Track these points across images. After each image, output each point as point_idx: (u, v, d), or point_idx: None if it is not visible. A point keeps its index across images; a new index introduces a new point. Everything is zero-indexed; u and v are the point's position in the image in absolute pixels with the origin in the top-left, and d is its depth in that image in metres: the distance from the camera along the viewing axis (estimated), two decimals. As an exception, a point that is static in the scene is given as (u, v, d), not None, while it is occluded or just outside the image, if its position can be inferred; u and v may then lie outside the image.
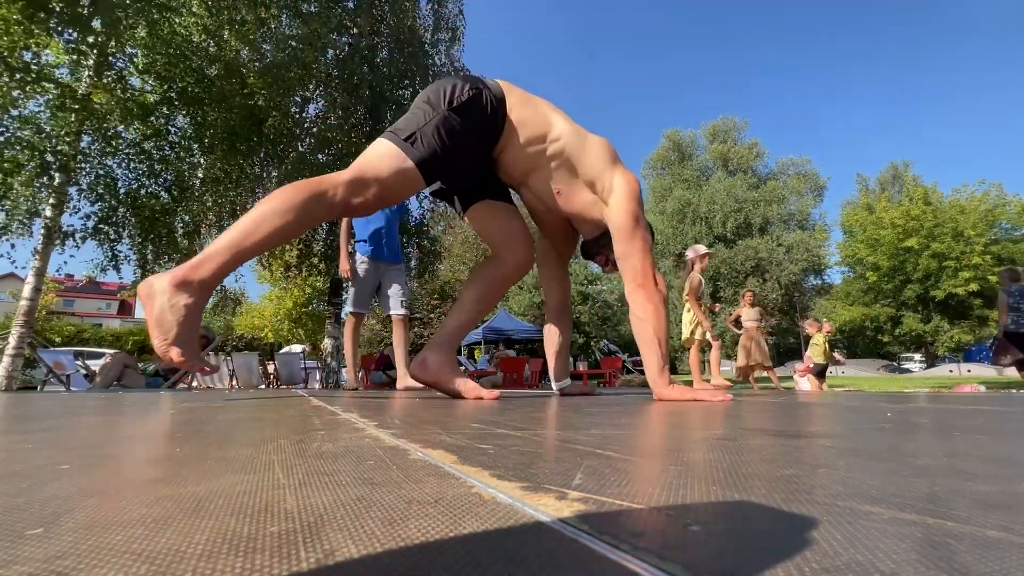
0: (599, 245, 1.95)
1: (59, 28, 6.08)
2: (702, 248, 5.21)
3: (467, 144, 1.68)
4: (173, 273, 1.37)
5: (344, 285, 9.86)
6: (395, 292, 3.62)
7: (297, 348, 11.28)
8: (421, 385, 2.03)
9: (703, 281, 5.14)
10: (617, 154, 1.81)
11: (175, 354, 1.35)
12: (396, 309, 3.63)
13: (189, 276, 1.36)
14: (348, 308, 3.62)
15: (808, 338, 7.68)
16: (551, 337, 2.17)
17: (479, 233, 2.01)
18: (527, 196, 1.93)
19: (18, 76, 5.90)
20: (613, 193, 1.74)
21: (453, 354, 1.93)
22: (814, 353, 7.20)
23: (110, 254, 7.63)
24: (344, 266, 3.58)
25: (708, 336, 5.07)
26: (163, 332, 1.33)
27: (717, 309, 5.57)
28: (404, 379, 3.45)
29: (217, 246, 1.41)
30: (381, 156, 1.60)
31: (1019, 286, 6.07)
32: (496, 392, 1.88)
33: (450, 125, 1.62)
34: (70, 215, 7.15)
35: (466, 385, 1.83)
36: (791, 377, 7.81)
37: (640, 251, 1.73)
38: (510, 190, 1.98)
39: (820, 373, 7.18)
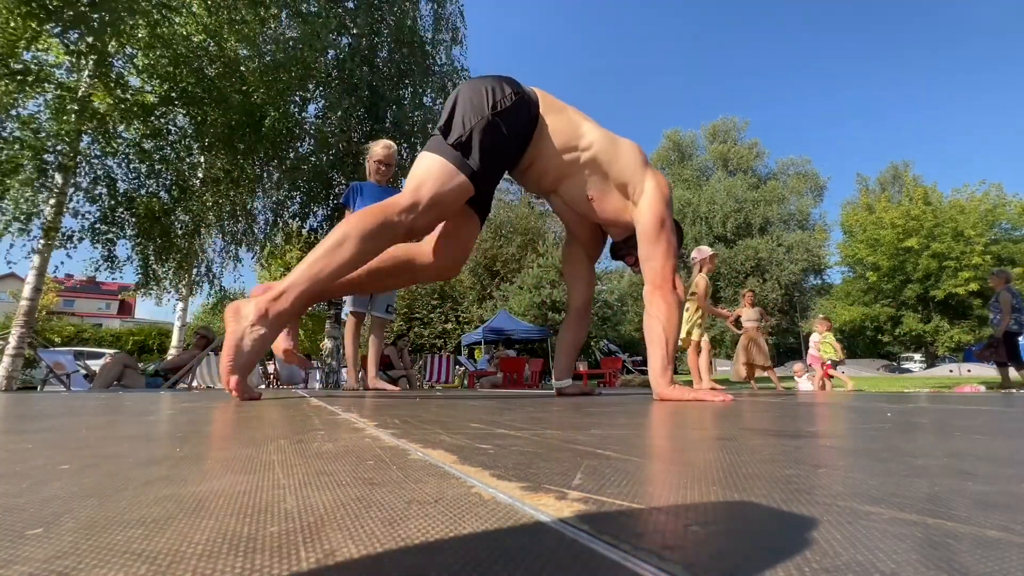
0: (628, 246, 1.95)
1: (60, 30, 6.08)
2: (708, 250, 5.20)
3: (508, 151, 1.67)
4: (258, 303, 1.43)
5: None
6: (385, 296, 3.67)
7: None
8: (391, 386, 1.99)
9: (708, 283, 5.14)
10: (646, 157, 1.82)
11: (235, 382, 1.44)
12: (380, 311, 3.67)
13: (272, 309, 1.43)
14: (348, 308, 3.64)
15: (807, 336, 7.74)
16: (567, 334, 2.18)
17: None
18: (557, 204, 1.91)
19: (19, 77, 5.91)
20: (643, 196, 1.74)
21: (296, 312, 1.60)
22: (828, 351, 7.18)
23: (107, 253, 7.63)
24: None
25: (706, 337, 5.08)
26: (235, 357, 1.42)
27: (732, 315, 5.55)
28: (375, 380, 3.54)
29: (295, 278, 1.45)
30: (436, 176, 1.57)
31: (1016, 288, 6.18)
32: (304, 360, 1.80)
33: (495, 131, 1.59)
34: (70, 215, 7.16)
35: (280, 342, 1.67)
36: (791, 377, 7.80)
37: (663, 254, 1.73)
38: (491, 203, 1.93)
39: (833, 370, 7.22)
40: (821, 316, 7.76)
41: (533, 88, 1.75)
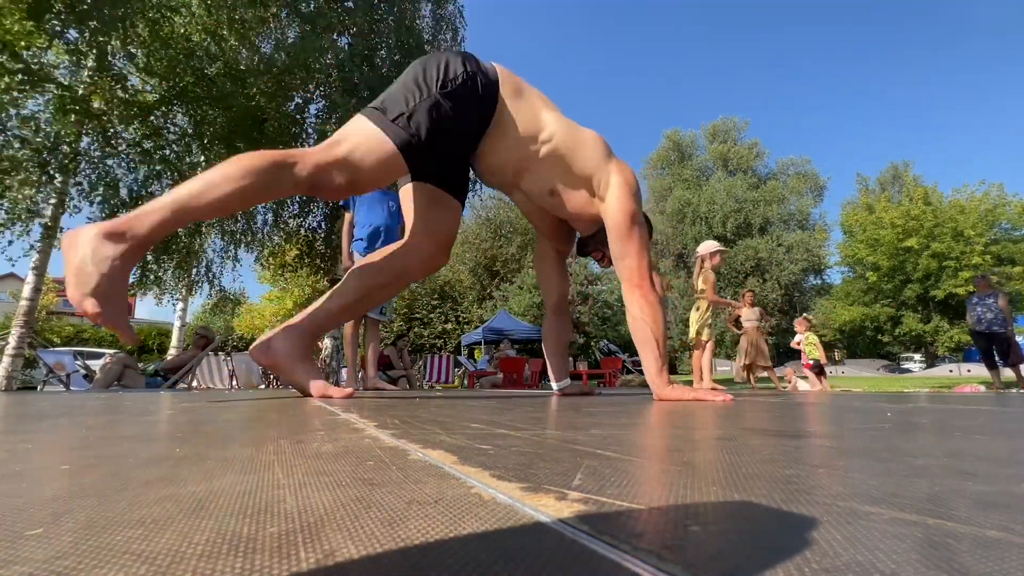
0: (596, 241, 1.90)
1: (61, 30, 6.08)
2: (713, 244, 5.12)
3: (454, 133, 1.56)
4: (102, 224, 1.23)
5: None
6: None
7: None
8: (390, 386, 1.96)
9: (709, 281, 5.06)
10: (610, 148, 1.74)
11: (91, 305, 1.19)
12: (375, 313, 3.67)
13: (121, 228, 1.23)
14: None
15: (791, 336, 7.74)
16: (549, 336, 2.15)
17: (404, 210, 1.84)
18: (519, 199, 1.85)
19: (20, 77, 5.91)
20: (609, 190, 1.68)
21: (308, 342, 1.72)
22: (812, 352, 7.19)
23: None
24: (347, 263, 3.60)
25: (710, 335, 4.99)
26: (81, 282, 1.18)
27: (738, 311, 5.36)
28: (374, 379, 3.56)
29: (160, 202, 1.27)
30: (361, 137, 1.45)
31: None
32: (348, 391, 1.69)
33: (441, 110, 1.48)
34: (71, 215, 7.16)
35: (315, 382, 1.66)
36: (782, 378, 7.79)
37: (636, 251, 1.68)
38: (467, 191, 1.88)
39: (821, 370, 7.19)
40: (801, 316, 7.74)
41: (495, 65, 1.64)
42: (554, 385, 2.21)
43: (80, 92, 6.49)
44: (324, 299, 1.73)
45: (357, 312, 1.85)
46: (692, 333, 4.95)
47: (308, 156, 1.40)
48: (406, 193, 1.80)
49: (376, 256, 1.80)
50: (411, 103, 1.48)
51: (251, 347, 1.70)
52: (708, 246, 5.02)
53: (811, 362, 7.14)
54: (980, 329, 6.39)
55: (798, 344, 7.38)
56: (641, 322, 1.67)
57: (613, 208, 1.68)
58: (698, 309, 4.94)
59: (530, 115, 1.64)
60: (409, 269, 1.80)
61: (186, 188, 1.29)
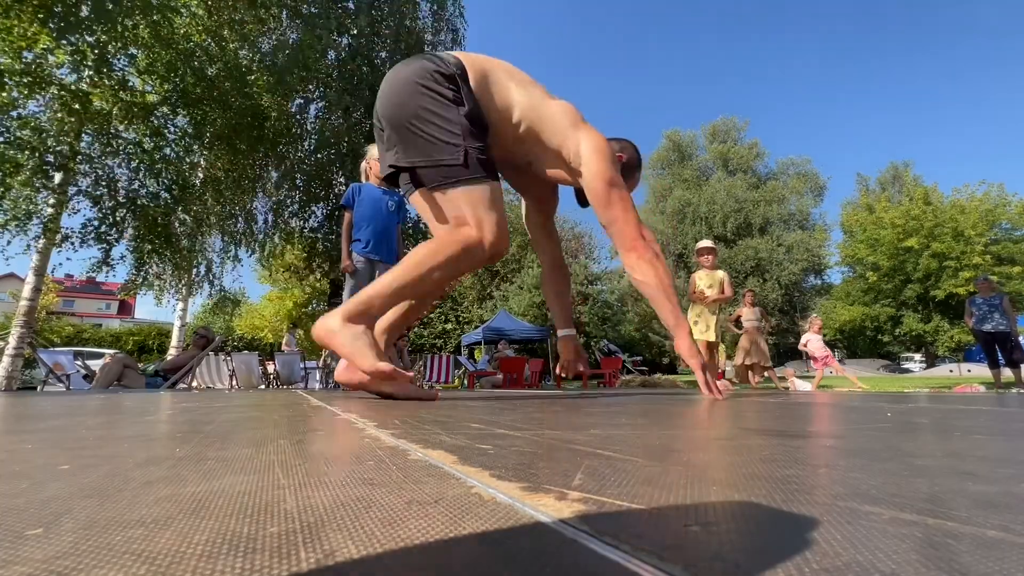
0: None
1: (63, 31, 6.09)
2: (701, 244, 5.15)
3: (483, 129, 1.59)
4: (341, 311, 1.49)
5: (343, 286, 9.87)
6: None
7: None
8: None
9: (697, 277, 5.02)
10: (581, 116, 1.72)
11: (384, 366, 1.43)
12: None
13: (355, 311, 1.48)
14: None
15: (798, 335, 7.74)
16: (549, 287, 2.15)
17: (425, 219, 1.84)
18: (503, 172, 1.84)
19: (25, 79, 5.92)
20: (581, 159, 1.67)
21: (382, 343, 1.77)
22: (818, 347, 7.16)
23: (105, 255, 7.63)
24: (346, 262, 3.59)
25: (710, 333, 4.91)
26: (363, 357, 1.43)
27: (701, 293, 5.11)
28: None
29: (377, 290, 1.51)
30: (466, 204, 1.53)
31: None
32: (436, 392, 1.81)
33: (474, 123, 1.53)
34: (70, 215, 7.16)
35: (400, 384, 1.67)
36: (783, 378, 7.77)
37: (621, 215, 1.67)
38: None
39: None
40: (815, 315, 7.71)
41: (457, 56, 1.60)
42: (560, 333, 2.16)
43: (81, 92, 6.49)
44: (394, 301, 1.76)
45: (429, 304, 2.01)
46: (698, 335, 4.75)
47: (471, 238, 1.53)
48: (419, 198, 1.79)
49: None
50: (454, 140, 1.50)
51: (337, 372, 1.74)
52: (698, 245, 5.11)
53: (828, 356, 7.08)
54: (986, 328, 6.40)
55: (804, 346, 7.32)
56: (645, 284, 1.68)
57: (587, 177, 1.67)
58: (714, 313, 4.87)
59: (501, 98, 1.63)
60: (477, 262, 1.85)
61: (397, 277, 1.51)
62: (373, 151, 3.77)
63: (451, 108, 1.51)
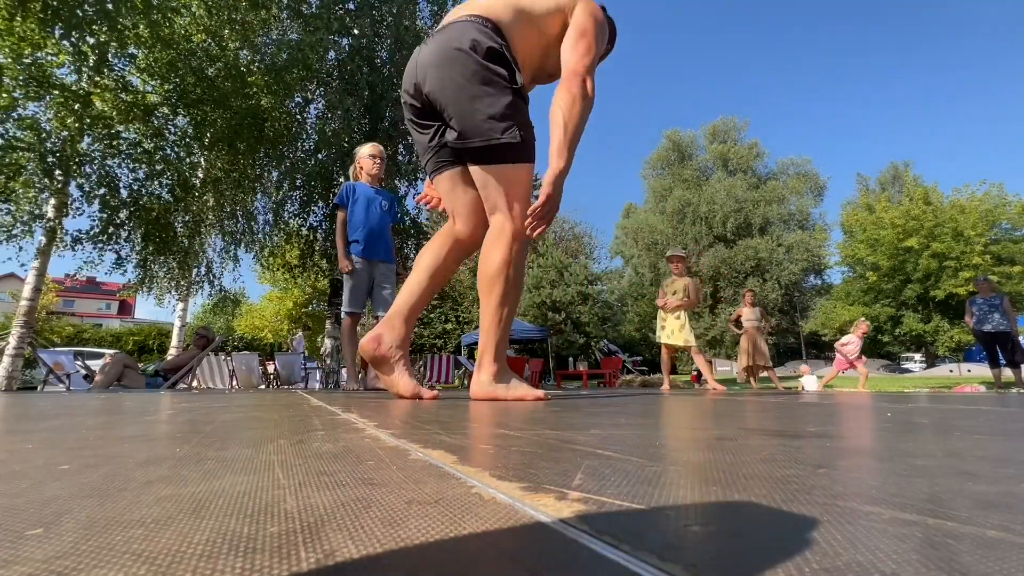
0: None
1: (67, 33, 6.09)
2: (668, 252, 5.28)
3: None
4: (489, 375, 1.64)
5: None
6: (388, 294, 3.65)
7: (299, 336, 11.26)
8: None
9: (665, 285, 5.14)
10: None
11: (427, 393, 1.71)
12: (385, 311, 3.70)
13: (498, 356, 1.65)
14: (344, 308, 3.64)
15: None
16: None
17: (445, 201, 1.92)
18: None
19: (33, 83, 5.92)
20: (576, 7, 1.74)
21: (408, 340, 1.85)
22: (854, 351, 7.08)
23: (115, 256, 7.65)
24: (344, 263, 3.61)
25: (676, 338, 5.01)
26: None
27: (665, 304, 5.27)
28: (374, 380, 3.50)
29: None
30: (517, 181, 1.68)
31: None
32: (434, 392, 1.80)
33: (522, 95, 1.65)
34: (73, 216, 7.17)
35: (410, 385, 1.75)
36: (799, 376, 7.72)
37: (579, 54, 1.69)
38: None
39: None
40: (863, 319, 7.55)
41: (489, 20, 1.67)
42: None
43: (82, 92, 6.49)
44: (417, 280, 1.87)
45: (437, 288, 1.98)
46: (681, 341, 4.98)
47: (507, 228, 1.67)
48: (446, 179, 1.85)
49: (439, 240, 1.92)
50: (505, 126, 1.60)
51: (362, 340, 1.82)
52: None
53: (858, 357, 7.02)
54: (987, 329, 6.42)
55: (843, 345, 7.14)
56: (554, 112, 1.65)
57: (579, 13, 1.73)
58: (678, 318, 4.99)
59: (523, 33, 1.72)
60: (464, 252, 1.94)
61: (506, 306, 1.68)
62: (364, 150, 3.78)
63: (507, 90, 1.61)
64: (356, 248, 3.61)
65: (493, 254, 1.67)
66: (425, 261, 1.87)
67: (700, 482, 0.39)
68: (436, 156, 1.80)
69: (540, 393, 1.64)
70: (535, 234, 1.64)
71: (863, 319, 7.60)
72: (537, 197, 1.64)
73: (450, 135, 1.66)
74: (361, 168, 3.73)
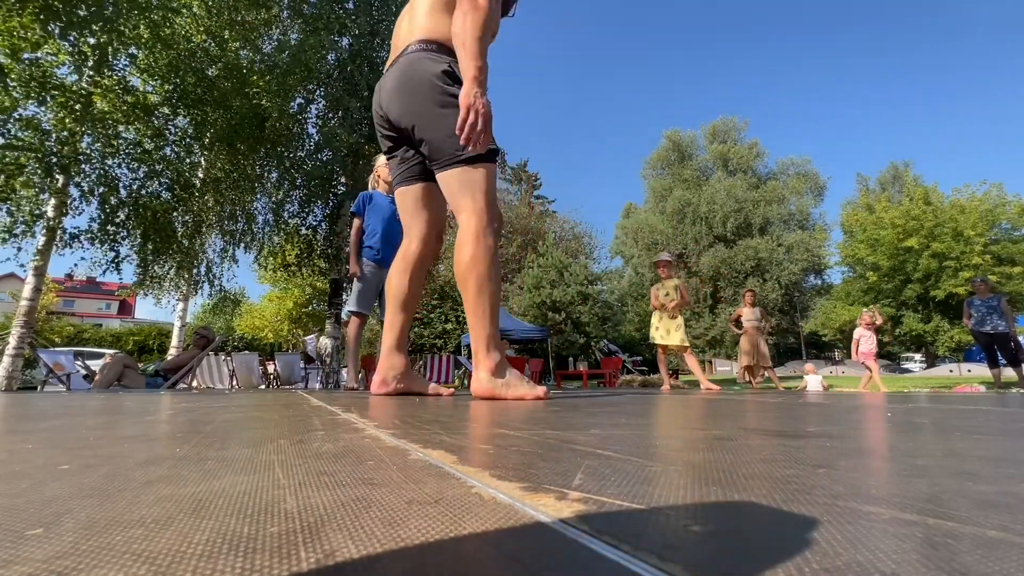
0: None
1: (67, 33, 6.09)
2: (655, 257, 5.37)
3: None
4: (487, 370, 1.66)
5: (345, 285, 9.87)
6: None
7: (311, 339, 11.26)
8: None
9: (656, 289, 5.18)
10: None
11: (444, 391, 1.92)
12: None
13: (493, 363, 1.67)
14: (351, 307, 3.69)
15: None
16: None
17: (405, 215, 2.01)
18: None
19: (34, 83, 5.92)
20: None
21: (406, 359, 2.01)
22: (866, 344, 7.01)
23: (112, 255, 7.64)
24: (353, 268, 3.67)
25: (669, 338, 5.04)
26: (534, 391, 1.64)
27: (663, 305, 5.31)
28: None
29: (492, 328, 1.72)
30: (480, 179, 1.72)
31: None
32: (450, 389, 2.01)
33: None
34: (73, 216, 7.17)
35: (430, 385, 2.01)
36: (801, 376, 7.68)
37: None
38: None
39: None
40: (866, 310, 7.50)
41: (433, 41, 1.80)
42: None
43: (83, 92, 6.49)
44: (394, 314, 2.00)
45: (413, 308, 2.09)
46: (677, 341, 5.02)
47: (478, 223, 1.70)
48: (408, 193, 1.98)
49: (399, 263, 2.01)
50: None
51: (372, 388, 1.97)
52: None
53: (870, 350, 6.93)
54: (986, 330, 6.42)
55: (856, 342, 7.06)
56: (454, 29, 1.68)
57: None
58: (674, 318, 5.00)
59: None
60: (427, 264, 2.05)
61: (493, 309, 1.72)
62: (383, 159, 3.82)
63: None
64: (370, 253, 3.70)
65: (463, 251, 1.70)
66: (393, 294, 2.00)
67: (700, 482, 0.39)
68: (405, 171, 1.94)
69: (540, 391, 1.66)
70: (471, 149, 1.65)
71: (864, 310, 7.56)
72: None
73: (425, 153, 1.78)
74: (379, 176, 3.79)
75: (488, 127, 1.65)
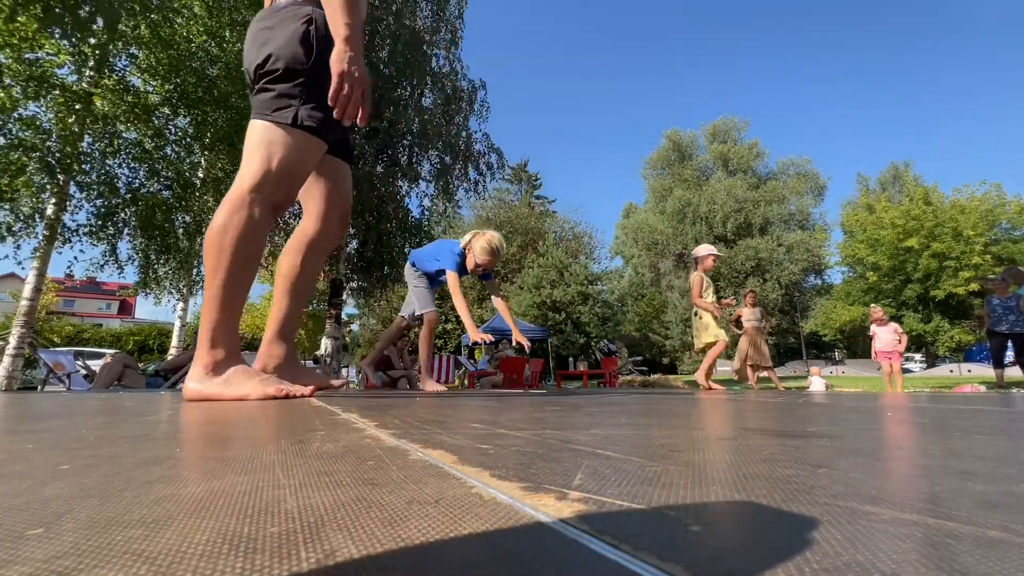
0: None
1: (67, 33, 6.09)
2: (705, 248, 5.03)
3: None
4: (202, 366, 1.45)
5: (345, 286, 9.87)
6: (411, 304, 3.91)
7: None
8: (440, 387, 1.97)
9: (705, 279, 4.93)
10: None
11: (336, 383, 1.76)
12: (407, 313, 3.98)
13: (212, 359, 1.45)
14: (426, 309, 3.63)
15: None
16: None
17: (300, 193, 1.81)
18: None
19: (33, 84, 5.92)
20: None
21: (291, 350, 1.82)
22: (885, 341, 6.88)
23: (109, 250, 7.64)
24: (475, 335, 3.42)
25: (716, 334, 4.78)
26: (264, 388, 1.43)
27: (728, 304, 5.00)
28: (428, 382, 3.48)
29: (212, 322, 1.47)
30: (266, 141, 1.50)
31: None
32: (342, 381, 1.90)
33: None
34: (72, 215, 7.17)
35: (316, 379, 1.81)
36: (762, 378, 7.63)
37: None
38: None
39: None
40: (873, 305, 7.43)
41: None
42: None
43: (83, 92, 6.50)
44: (280, 297, 1.83)
45: (305, 294, 1.90)
46: (712, 338, 4.60)
47: (241, 189, 1.50)
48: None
49: (292, 241, 1.83)
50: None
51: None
52: (701, 248, 4.93)
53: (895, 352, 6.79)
54: (1001, 329, 6.40)
55: (875, 340, 6.96)
56: None
57: None
58: (698, 316, 4.80)
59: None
60: (320, 247, 1.83)
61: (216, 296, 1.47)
62: (486, 244, 3.48)
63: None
64: (431, 265, 3.72)
65: (216, 218, 1.49)
66: (283, 274, 1.80)
67: (700, 482, 0.39)
68: None
69: (283, 389, 1.46)
70: (347, 121, 1.47)
71: (872, 306, 7.51)
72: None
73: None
74: (471, 251, 3.45)
75: (366, 98, 1.46)
